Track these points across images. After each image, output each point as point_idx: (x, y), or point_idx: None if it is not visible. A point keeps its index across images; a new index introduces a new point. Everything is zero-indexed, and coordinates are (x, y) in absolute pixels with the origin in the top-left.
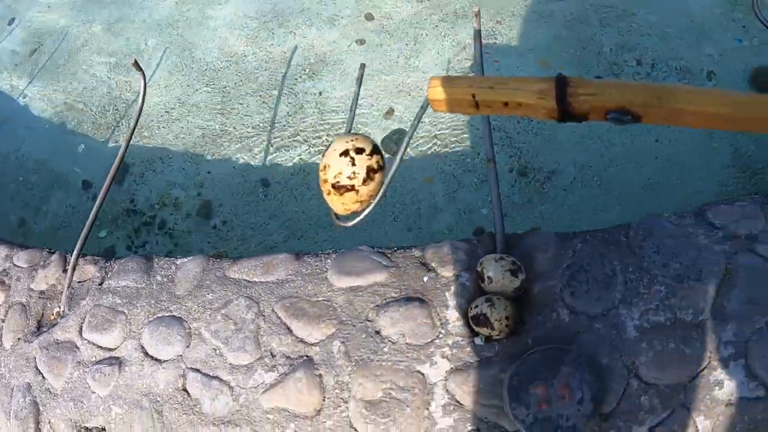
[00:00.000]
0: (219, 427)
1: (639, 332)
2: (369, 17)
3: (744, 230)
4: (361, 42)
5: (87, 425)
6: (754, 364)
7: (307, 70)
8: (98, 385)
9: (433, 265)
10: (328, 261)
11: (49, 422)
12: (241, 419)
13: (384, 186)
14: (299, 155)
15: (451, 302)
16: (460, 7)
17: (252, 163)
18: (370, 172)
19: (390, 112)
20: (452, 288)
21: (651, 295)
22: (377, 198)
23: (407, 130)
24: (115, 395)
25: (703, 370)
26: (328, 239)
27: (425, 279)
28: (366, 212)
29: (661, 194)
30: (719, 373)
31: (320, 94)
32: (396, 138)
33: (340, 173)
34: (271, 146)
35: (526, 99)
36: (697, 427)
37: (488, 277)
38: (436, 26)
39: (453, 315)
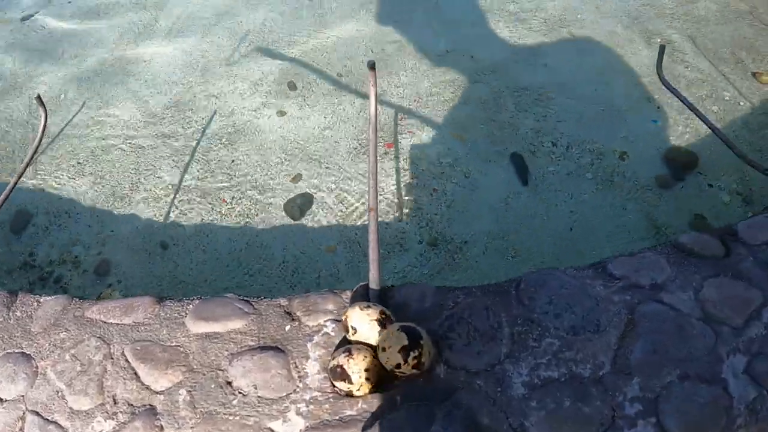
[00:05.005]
0: None
1: (528, 389)
2: (292, 86)
3: (647, 280)
4: (282, 113)
5: None
6: (668, 422)
7: (224, 139)
8: None
9: (298, 314)
10: (190, 306)
11: None
12: None
13: None
14: (201, 218)
15: (313, 354)
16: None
17: (155, 224)
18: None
19: (297, 177)
20: (315, 338)
21: (542, 348)
22: None
23: (312, 194)
24: None
25: (606, 431)
26: None
27: (287, 328)
28: None
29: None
30: None
31: (233, 162)
32: (299, 202)
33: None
34: (176, 209)
35: None
36: None
37: (353, 328)
38: (353, 103)
39: (313, 368)
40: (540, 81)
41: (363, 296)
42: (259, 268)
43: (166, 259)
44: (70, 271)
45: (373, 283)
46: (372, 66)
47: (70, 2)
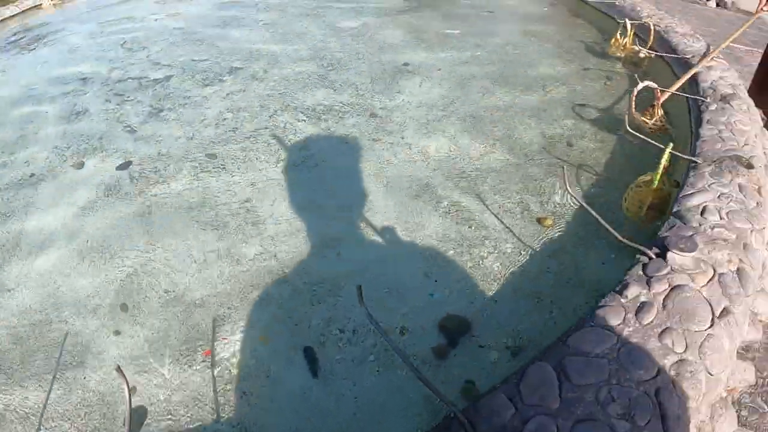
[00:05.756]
0: None
1: None
2: (124, 308)
3: None
4: (117, 332)
5: None
6: None
7: (76, 358)
8: None
9: None
10: None
11: None
12: None
13: None
14: None
15: None
16: (198, 297)
17: None
18: None
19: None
20: None
21: None
22: None
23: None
24: None
25: None
26: None
27: None
28: None
29: None
30: None
31: (84, 378)
32: None
33: None
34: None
35: None
36: None
37: None
38: (177, 316)
39: None
40: (333, 271)
41: None
42: None
43: None
44: None
45: None
46: (118, 369)
47: None
